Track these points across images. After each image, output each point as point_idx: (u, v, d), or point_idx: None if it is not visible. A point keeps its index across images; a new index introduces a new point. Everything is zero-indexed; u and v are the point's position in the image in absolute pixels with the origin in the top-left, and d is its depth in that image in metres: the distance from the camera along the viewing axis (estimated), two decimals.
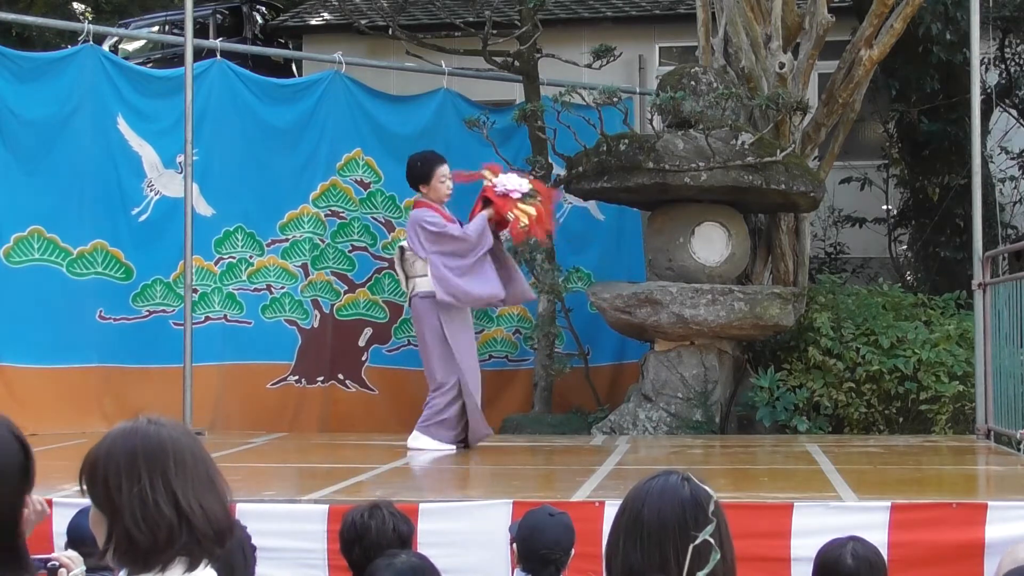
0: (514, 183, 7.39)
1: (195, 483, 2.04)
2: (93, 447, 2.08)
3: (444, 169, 7.52)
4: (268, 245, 9.67)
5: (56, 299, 8.83)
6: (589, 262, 10.55)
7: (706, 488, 2.19)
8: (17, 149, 8.81)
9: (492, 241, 7.44)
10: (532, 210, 7.32)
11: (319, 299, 9.84)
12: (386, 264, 10.04)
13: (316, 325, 9.81)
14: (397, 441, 8.02)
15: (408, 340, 9.95)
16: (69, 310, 8.86)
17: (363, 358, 10.01)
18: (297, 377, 9.69)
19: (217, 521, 2.05)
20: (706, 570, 2.08)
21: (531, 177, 7.87)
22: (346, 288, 9.96)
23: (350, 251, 9.99)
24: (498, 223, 7.45)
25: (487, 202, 7.42)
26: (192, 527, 2.01)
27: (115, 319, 9.07)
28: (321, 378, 9.80)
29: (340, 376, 9.91)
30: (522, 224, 7.29)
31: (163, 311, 9.20)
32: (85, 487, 2.05)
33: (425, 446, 7.40)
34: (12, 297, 8.70)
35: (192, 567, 2.03)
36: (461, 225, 7.44)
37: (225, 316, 9.48)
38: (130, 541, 2.00)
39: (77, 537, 3.90)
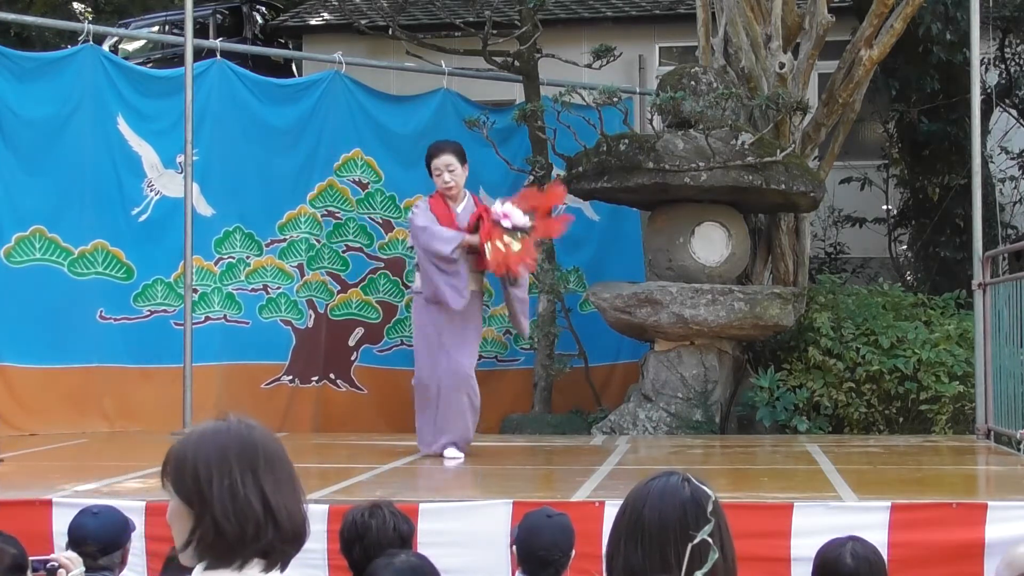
0: (517, 217, 7.00)
1: (281, 484, 2.09)
2: (177, 444, 2.11)
3: (437, 161, 7.18)
4: (267, 245, 9.68)
5: (57, 299, 8.83)
6: (583, 262, 10.54)
7: (706, 488, 2.19)
8: (18, 149, 8.82)
9: (459, 258, 7.03)
10: (517, 245, 6.97)
11: (314, 299, 9.84)
12: (382, 264, 10.05)
13: (311, 325, 9.82)
14: (395, 441, 8.02)
15: (401, 340, 9.94)
16: (70, 310, 8.86)
17: (352, 358, 10.00)
18: (291, 377, 9.70)
19: (297, 523, 2.10)
20: (704, 569, 2.08)
21: (537, 215, 7.27)
22: (339, 288, 9.96)
23: (344, 251, 9.99)
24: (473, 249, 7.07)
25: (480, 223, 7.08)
26: (278, 525, 2.06)
27: (115, 319, 9.07)
28: (315, 378, 9.81)
29: (331, 375, 9.92)
30: (490, 254, 6.91)
31: (164, 311, 9.20)
32: (170, 481, 2.08)
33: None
34: (13, 297, 8.70)
35: (268, 568, 2.07)
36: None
37: (225, 316, 9.49)
38: (218, 533, 2.04)
39: (77, 537, 3.90)
